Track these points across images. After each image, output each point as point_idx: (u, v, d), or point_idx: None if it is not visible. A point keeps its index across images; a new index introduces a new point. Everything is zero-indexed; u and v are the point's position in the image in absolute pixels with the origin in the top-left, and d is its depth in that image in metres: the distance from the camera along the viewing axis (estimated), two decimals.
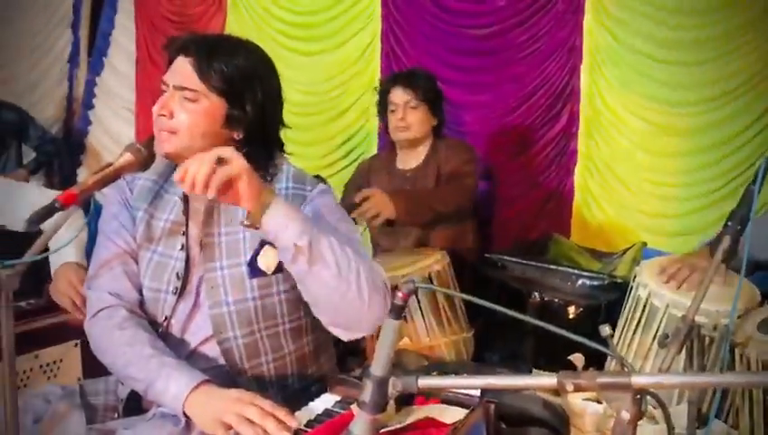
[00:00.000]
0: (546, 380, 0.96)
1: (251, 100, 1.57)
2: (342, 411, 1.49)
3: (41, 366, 2.04)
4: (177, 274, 1.60)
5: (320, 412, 1.50)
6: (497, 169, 3.52)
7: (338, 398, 1.56)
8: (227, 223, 1.61)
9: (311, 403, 1.54)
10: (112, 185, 1.61)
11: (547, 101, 3.46)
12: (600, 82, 3.33)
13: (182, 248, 1.61)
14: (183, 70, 1.55)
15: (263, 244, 1.58)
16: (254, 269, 1.58)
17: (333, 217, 1.59)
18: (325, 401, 1.55)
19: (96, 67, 4.82)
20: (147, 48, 4.56)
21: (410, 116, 2.87)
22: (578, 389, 0.93)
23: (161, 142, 1.55)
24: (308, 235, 1.39)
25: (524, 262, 2.60)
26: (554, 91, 3.44)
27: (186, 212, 1.63)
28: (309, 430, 1.42)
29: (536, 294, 2.54)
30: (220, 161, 1.36)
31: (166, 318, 1.61)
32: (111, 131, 4.77)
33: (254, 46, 1.64)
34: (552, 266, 2.58)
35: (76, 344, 2.12)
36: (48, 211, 1.41)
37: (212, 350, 1.61)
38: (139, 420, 1.55)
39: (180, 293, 1.61)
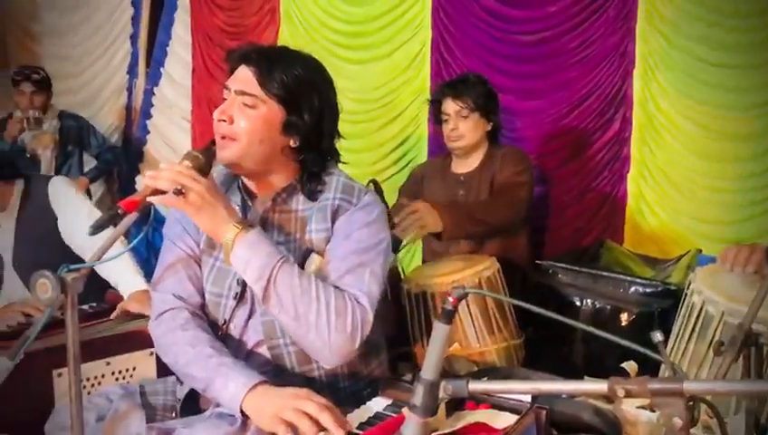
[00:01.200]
0: (597, 385, 0.96)
1: (308, 108, 1.62)
2: (394, 415, 1.51)
3: (113, 373, 2.09)
4: (238, 280, 1.65)
5: (371, 415, 1.52)
6: (549, 175, 3.50)
7: (389, 401, 1.59)
8: (280, 232, 1.66)
9: (362, 406, 1.57)
10: None
11: (599, 106, 3.42)
12: (652, 86, 3.28)
13: None
14: (244, 77, 1.61)
15: (308, 252, 1.64)
16: None
17: (359, 235, 1.63)
18: (377, 404, 1.57)
19: (154, 77, 4.95)
20: (202, 58, 4.66)
21: (462, 125, 2.86)
22: (629, 394, 0.93)
23: (221, 149, 1.61)
24: (264, 280, 1.49)
25: (576, 269, 2.57)
26: (606, 97, 3.40)
27: None
28: (361, 432, 1.44)
29: (588, 301, 2.51)
30: (178, 192, 1.46)
31: (225, 321, 1.67)
32: (169, 140, 4.89)
33: (312, 58, 1.70)
34: (604, 273, 2.54)
35: (151, 353, 2.15)
36: (110, 218, 1.47)
37: (266, 353, 1.66)
38: (196, 419, 1.60)
39: (240, 298, 1.66)
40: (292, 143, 1.63)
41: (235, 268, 1.53)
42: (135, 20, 4.99)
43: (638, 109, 3.34)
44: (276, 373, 1.61)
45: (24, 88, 4.25)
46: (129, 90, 5.08)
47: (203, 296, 1.70)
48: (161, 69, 4.90)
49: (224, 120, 1.60)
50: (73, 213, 2.49)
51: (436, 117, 2.98)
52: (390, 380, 1.66)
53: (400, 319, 2.43)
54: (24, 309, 2.28)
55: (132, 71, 5.06)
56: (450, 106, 2.87)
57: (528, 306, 1.15)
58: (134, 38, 5.03)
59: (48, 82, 4.33)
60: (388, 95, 4.01)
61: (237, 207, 1.67)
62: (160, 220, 1.89)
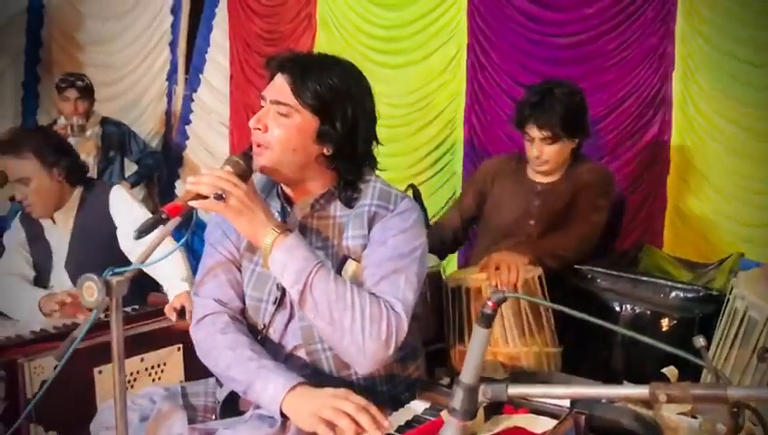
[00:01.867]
0: (638, 390, 0.95)
1: (341, 117, 1.63)
2: (432, 418, 1.51)
3: (146, 369, 2.16)
4: (278, 285, 1.67)
5: (410, 418, 1.53)
6: None
7: (427, 405, 1.59)
8: (318, 238, 1.68)
9: (401, 409, 1.58)
10: None
11: (638, 109, 3.39)
12: (692, 88, 3.24)
13: None
14: (280, 86, 1.63)
15: (345, 259, 1.65)
16: None
17: (395, 241, 1.63)
18: (415, 408, 1.58)
19: (193, 84, 5.02)
20: (240, 65, 4.72)
21: (547, 152, 2.65)
22: (671, 400, 0.92)
23: (257, 157, 1.63)
24: (301, 284, 1.51)
25: (615, 273, 2.53)
26: (645, 99, 3.37)
27: None
28: (399, 434, 1.45)
29: (627, 306, 2.48)
30: (219, 197, 1.49)
31: (265, 326, 1.69)
32: (207, 145, 4.96)
33: (349, 66, 1.71)
34: (643, 278, 2.50)
35: (179, 348, 2.24)
36: (155, 222, 1.51)
37: (305, 358, 1.68)
38: (237, 421, 1.63)
39: (279, 303, 1.68)
40: (326, 151, 1.65)
41: (273, 272, 1.55)
42: (174, 28, 5.07)
43: (678, 111, 3.30)
44: (314, 377, 1.62)
45: (68, 94, 4.34)
46: (169, 96, 5.16)
47: (243, 301, 1.72)
48: (200, 75, 4.97)
49: (259, 129, 1.62)
50: (134, 223, 2.53)
51: (518, 125, 2.73)
52: (428, 383, 1.67)
53: (440, 322, 2.42)
54: (64, 298, 2.37)
55: (172, 77, 5.14)
56: (534, 132, 2.64)
57: (563, 309, 1.15)
58: (173, 45, 5.10)
59: (91, 88, 4.43)
60: (423, 99, 4.02)
61: (276, 213, 1.69)
62: (200, 226, 1.93)
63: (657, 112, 3.35)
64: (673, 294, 2.43)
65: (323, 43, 4.30)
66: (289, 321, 1.69)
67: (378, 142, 1.74)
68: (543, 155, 2.66)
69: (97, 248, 2.55)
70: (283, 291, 1.66)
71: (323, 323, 1.52)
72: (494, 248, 2.58)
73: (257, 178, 1.75)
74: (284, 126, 1.61)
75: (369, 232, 1.65)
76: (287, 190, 1.73)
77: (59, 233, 2.64)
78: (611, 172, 2.88)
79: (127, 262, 2.53)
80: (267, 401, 1.50)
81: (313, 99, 1.61)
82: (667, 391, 0.92)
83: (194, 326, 1.72)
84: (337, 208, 1.69)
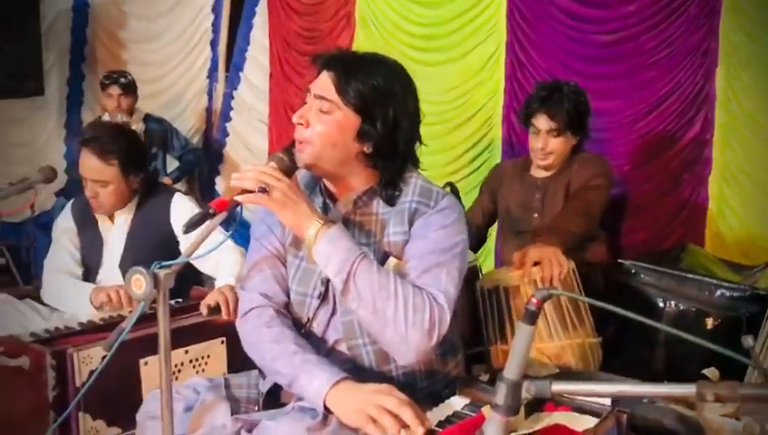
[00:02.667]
0: (684, 388, 0.95)
1: (382, 117, 1.64)
2: (472, 414, 1.52)
3: (190, 361, 2.20)
4: (322, 280, 1.69)
5: (450, 413, 1.54)
6: (627, 178, 3.44)
7: (467, 401, 1.60)
8: (361, 234, 1.70)
9: (441, 405, 1.59)
10: None
11: (679, 107, 3.35)
12: (736, 85, 3.19)
13: None
14: (324, 82, 1.65)
15: (386, 256, 1.67)
16: None
17: (436, 236, 1.64)
18: (455, 404, 1.59)
19: (233, 82, 5.08)
20: (280, 63, 4.77)
21: (552, 143, 2.76)
22: (718, 399, 0.92)
23: (299, 152, 1.65)
24: (344, 274, 1.52)
25: (660, 269, 2.50)
26: (687, 97, 3.33)
27: None
28: (440, 430, 1.47)
29: (671, 303, 2.45)
30: (263, 190, 1.51)
31: (308, 320, 1.72)
32: (247, 142, 5.02)
33: (395, 66, 1.72)
34: (689, 275, 2.47)
35: (222, 341, 2.27)
36: (202, 217, 1.54)
37: (346, 352, 1.70)
38: (279, 412, 1.65)
39: (323, 298, 1.70)
40: (366, 149, 1.66)
41: (317, 262, 1.57)
42: (215, 26, 5.14)
43: (721, 109, 3.25)
44: (355, 372, 1.64)
45: (111, 91, 4.43)
46: (210, 94, 5.23)
47: (288, 295, 1.75)
48: (240, 73, 5.03)
49: (301, 124, 1.65)
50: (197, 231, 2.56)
51: (524, 120, 2.87)
52: (468, 379, 1.67)
53: (475, 318, 2.42)
54: (110, 292, 2.41)
55: (212, 75, 5.21)
56: (542, 122, 2.76)
57: (606, 306, 1.15)
58: (214, 44, 5.17)
59: (134, 85, 4.51)
60: (461, 97, 4.02)
61: (319, 209, 1.70)
62: (243, 224, 1.96)
63: (699, 111, 3.30)
64: (719, 292, 2.39)
65: (362, 41, 4.32)
66: (332, 315, 1.71)
67: (421, 142, 1.75)
68: (548, 147, 2.77)
69: (152, 251, 2.51)
70: (327, 286, 1.69)
71: (366, 312, 1.54)
72: (510, 245, 2.69)
73: (301, 174, 1.77)
74: (325, 122, 1.63)
75: (409, 228, 1.67)
76: (330, 187, 1.75)
77: (114, 230, 2.67)
78: (605, 159, 2.95)
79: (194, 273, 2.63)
80: (311, 395, 1.52)
81: (356, 98, 1.62)
82: (714, 390, 0.91)
83: (240, 319, 1.75)
84: (379, 205, 1.71)
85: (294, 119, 1.67)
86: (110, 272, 2.62)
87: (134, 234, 2.64)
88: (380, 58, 1.73)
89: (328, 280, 1.68)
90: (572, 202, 2.71)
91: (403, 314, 1.52)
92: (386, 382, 1.58)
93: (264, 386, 1.76)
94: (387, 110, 1.64)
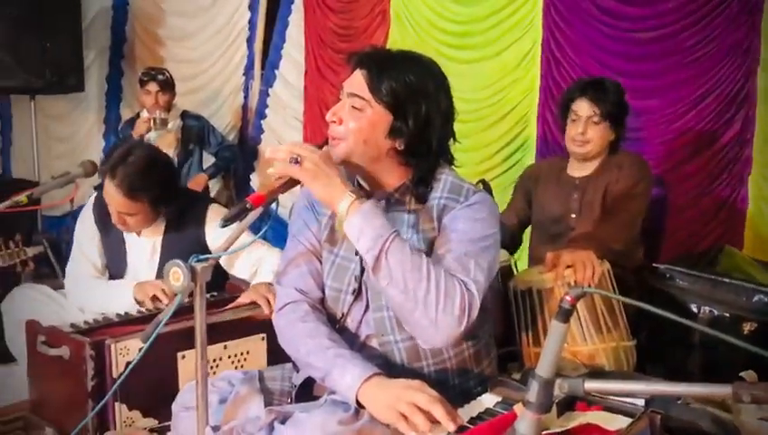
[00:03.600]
0: (720, 389, 0.94)
1: (414, 115, 1.64)
2: (503, 412, 1.52)
3: (229, 356, 2.21)
4: (356, 276, 1.71)
5: (482, 410, 1.54)
6: (664, 177, 3.39)
7: (499, 398, 1.60)
8: None
9: (472, 402, 1.59)
10: (302, 191, 1.79)
11: (719, 105, 3.29)
12: None
13: (357, 253, 1.70)
14: (357, 80, 1.67)
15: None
16: None
17: (465, 226, 1.64)
18: (486, 401, 1.59)
19: (269, 79, 5.11)
20: (315, 60, 4.79)
21: (591, 131, 2.71)
22: (755, 400, 0.91)
23: (332, 148, 1.67)
24: (376, 250, 1.52)
25: (695, 273, 2.46)
26: (727, 96, 3.27)
27: None
28: (471, 427, 1.47)
29: (706, 308, 2.42)
30: (296, 160, 1.53)
31: (343, 315, 1.74)
32: (282, 139, 5.03)
33: (428, 64, 1.73)
34: (725, 279, 2.43)
35: (263, 338, 2.28)
36: (239, 212, 1.56)
37: (378, 348, 1.71)
38: (312, 405, 1.67)
39: (357, 294, 1.72)
40: (398, 146, 1.67)
41: (348, 236, 1.56)
42: (252, 24, 5.17)
43: (762, 108, 3.19)
44: (387, 368, 1.65)
45: (150, 88, 4.50)
46: (246, 91, 5.26)
47: (322, 290, 1.77)
48: (275, 71, 5.06)
49: (334, 121, 1.67)
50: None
51: (563, 112, 2.84)
52: (500, 379, 1.67)
53: (508, 317, 2.42)
54: (155, 290, 2.43)
55: (248, 73, 5.24)
56: (584, 108, 2.72)
57: (641, 304, 1.15)
58: (250, 41, 5.20)
59: (172, 82, 4.57)
60: (496, 94, 4.00)
61: None
62: (278, 220, 1.98)
63: (739, 109, 3.25)
64: (756, 297, 2.34)
65: (397, 39, 4.32)
66: (365, 312, 1.72)
67: (455, 140, 1.75)
68: (587, 133, 2.72)
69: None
70: (361, 282, 1.71)
71: (396, 291, 1.53)
72: (543, 248, 2.62)
73: (339, 169, 1.79)
74: (358, 119, 1.64)
75: (438, 225, 1.67)
76: (363, 183, 1.76)
77: (139, 244, 2.62)
78: (645, 160, 2.88)
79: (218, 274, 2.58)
80: (344, 389, 1.54)
81: (387, 95, 1.63)
82: (751, 391, 0.90)
83: (276, 314, 1.78)
84: (413, 202, 1.72)
85: (328, 116, 1.69)
86: (135, 280, 2.58)
87: (167, 247, 2.58)
88: (414, 56, 1.74)
89: (362, 276, 1.70)
90: (615, 213, 2.65)
91: (434, 297, 1.52)
92: (418, 379, 1.58)
93: (298, 379, 1.78)
94: (419, 107, 1.65)
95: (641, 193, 2.69)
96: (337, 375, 1.55)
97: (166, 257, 2.54)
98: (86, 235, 2.67)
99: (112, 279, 2.66)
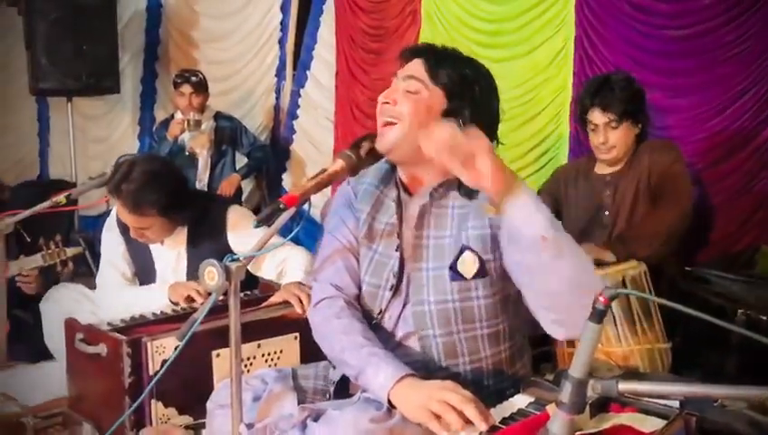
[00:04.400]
0: (757, 391, 0.93)
1: (471, 99, 1.67)
2: (536, 412, 1.52)
3: (262, 355, 2.22)
4: (394, 272, 1.72)
5: (514, 411, 1.54)
6: (700, 176, 3.34)
7: (531, 399, 1.60)
8: (437, 227, 1.71)
9: (505, 402, 1.59)
10: (339, 188, 1.82)
11: (756, 104, 3.23)
12: None
13: (397, 249, 1.72)
14: (414, 65, 1.70)
15: (462, 250, 1.66)
16: (454, 273, 1.66)
17: None
18: (519, 402, 1.59)
19: (300, 80, 5.14)
20: (346, 61, 4.80)
21: (612, 136, 2.70)
22: None
23: (382, 136, 1.69)
24: (554, 228, 1.45)
25: (730, 276, 2.43)
26: (764, 94, 3.20)
27: (399, 215, 1.74)
28: (503, 427, 1.46)
29: (741, 311, 2.38)
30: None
31: (381, 311, 1.74)
32: (313, 139, 5.08)
33: (481, 65, 1.76)
34: (762, 281, 2.39)
35: (296, 337, 2.28)
36: (272, 212, 1.58)
37: (416, 345, 1.71)
38: (345, 402, 1.68)
39: (395, 290, 1.72)
40: None
41: (515, 216, 1.45)
42: (283, 25, 5.21)
43: None
44: (424, 364, 1.66)
45: (183, 90, 4.56)
46: (278, 91, 5.31)
47: (359, 287, 1.78)
48: (307, 72, 5.09)
49: (388, 103, 1.68)
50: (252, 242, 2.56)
51: (581, 119, 2.84)
52: (533, 380, 1.67)
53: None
54: (189, 291, 2.44)
55: (280, 73, 5.29)
56: (597, 117, 2.72)
57: (677, 306, 1.14)
58: (282, 42, 5.24)
59: (205, 84, 4.63)
60: (528, 93, 3.97)
61: (393, 204, 1.75)
62: (309, 220, 2.00)
63: None
64: None
65: (428, 38, 4.31)
66: (403, 308, 1.72)
67: (498, 142, 1.77)
68: (609, 140, 2.71)
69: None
70: (399, 278, 1.71)
71: (569, 270, 1.44)
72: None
73: (376, 167, 1.82)
74: (414, 100, 1.66)
75: (489, 221, 1.65)
76: (405, 179, 1.77)
77: (164, 253, 2.64)
78: (674, 143, 2.86)
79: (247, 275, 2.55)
80: (376, 388, 1.55)
81: (445, 79, 1.66)
82: None
83: (311, 310, 1.80)
84: (455, 199, 1.71)
85: (381, 98, 1.70)
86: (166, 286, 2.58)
87: (192, 252, 2.58)
88: (469, 57, 1.77)
89: (400, 272, 1.71)
90: (663, 196, 2.62)
91: (589, 278, 1.48)
92: (453, 378, 1.59)
93: (335, 374, 1.79)
94: (474, 93, 1.68)
95: (682, 172, 2.67)
96: (370, 374, 1.56)
97: (192, 265, 2.58)
98: (112, 245, 2.68)
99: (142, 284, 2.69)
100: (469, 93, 1.67)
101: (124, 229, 2.60)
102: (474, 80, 1.69)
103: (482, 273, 1.65)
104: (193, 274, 2.55)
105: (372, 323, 1.74)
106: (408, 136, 1.64)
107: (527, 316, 1.65)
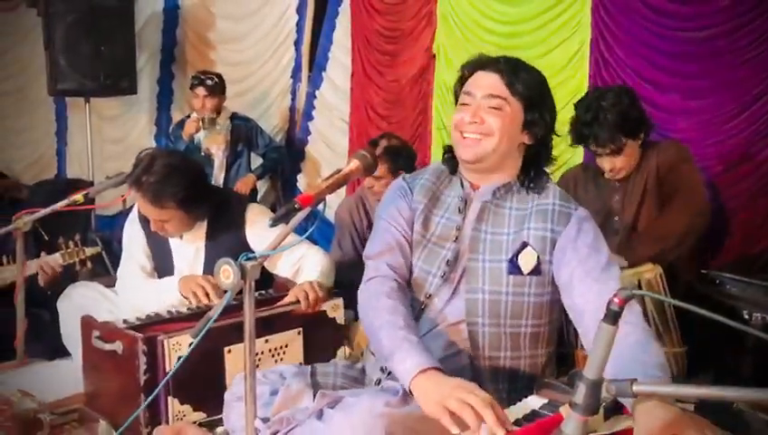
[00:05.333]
0: None
1: (545, 106, 1.78)
2: (550, 414, 1.52)
3: (270, 350, 2.26)
4: (448, 261, 1.80)
5: (527, 413, 1.54)
6: (716, 180, 3.32)
7: (545, 401, 1.60)
8: (494, 224, 1.80)
9: (518, 403, 1.59)
10: (394, 182, 1.94)
11: None
12: None
13: (455, 241, 1.81)
14: (490, 81, 1.79)
15: (524, 245, 1.75)
16: (513, 266, 1.75)
17: (595, 239, 1.76)
18: (533, 403, 1.59)
19: (316, 81, 5.15)
20: (361, 62, 4.81)
21: (618, 162, 2.71)
22: None
23: (468, 147, 1.79)
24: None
25: (746, 280, 2.42)
26: None
27: (463, 211, 1.83)
28: (517, 428, 1.47)
29: (758, 315, 2.37)
30: None
31: (428, 296, 1.81)
32: (328, 141, 5.08)
33: (540, 71, 1.85)
34: None
35: (299, 332, 2.32)
36: (288, 212, 1.60)
37: (460, 334, 1.77)
38: (362, 390, 1.74)
39: (446, 278, 1.79)
40: (526, 140, 1.80)
41: None
42: (299, 27, 5.22)
43: None
44: (467, 353, 1.74)
45: (198, 92, 4.59)
46: (293, 93, 5.31)
47: (410, 272, 1.85)
48: (323, 73, 5.10)
49: (476, 122, 1.76)
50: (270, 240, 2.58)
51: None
52: (546, 381, 1.68)
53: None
54: (197, 288, 2.46)
55: (296, 75, 5.29)
56: (598, 150, 2.71)
57: (694, 308, 1.13)
58: (298, 44, 5.25)
59: (221, 86, 4.65)
60: None
61: (459, 200, 1.85)
62: (324, 222, 2.02)
63: None
64: None
65: (443, 40, 4.32)
66: (452, 295, 1.79)
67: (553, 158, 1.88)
68: (617, 165, 2.72)
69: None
70: (452, 267, 1.79)
71: None
72: None
73: (434, 167, 1.93)
74: (500, 116, 1.76)
75: (551, 226, 1.76)
76: (471, 178, 1.86)
77: (183, 248, 2.67)
78: (683, 144, 2.87)
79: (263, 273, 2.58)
80: (401, 373, 1.58)
81: (525, 89, 1.76)
82: None
83: (363, 285, 1.85)
84: (513, 201, 1.82)
85: (466, 119, 1.78)
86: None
87: (210, 249, 2.61)
88: (531, 65, 1.86)
89: (454, 263, 1.80)
90: (676, 195, 2.64)
91: None
92: (492, 368, 1.71)
93: (374, 368, 1.83)
94: (549, 101, 1.80)
95: (690, 172, 2.69)
96: (398, 358, 1.59)
97: (209, 261, 2.59)
98: (134, 238, 2.73)
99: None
100: (546, 97, 1.79)
101: (146, 223, 2.62)
102: (544, 81, 1.81)
103: (537, 271, 1.75)
104: (210, 269, 2.54)
105: (421, 305, 1.81)
106: (498, 148, 1.76)
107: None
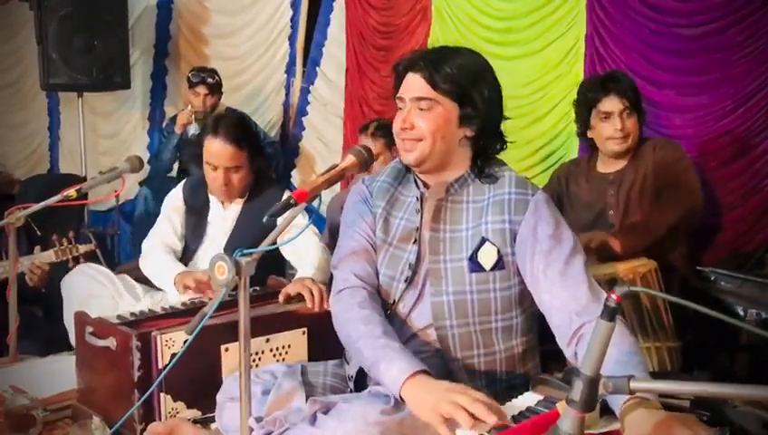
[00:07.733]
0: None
1: (479, 96, 1.72)
2: (545, 410, 1.52)
3: (271, 349, 2.23)
4: (410, 265, 1.77)
5: (523, 409, 1.54)
6: (710, 176, 3.32)
7: (540, 397, 1.60)
8: (452, 222, 1.76)
9: (513, 400, 1.59)
10: (354, 186, 1.88)
11: None
12: None
13: (414, 242, 1.78)
14: (415, 83, 1.73)
15: (483, 241, 1.72)
16: (474, 264, 1.72)
17: (556, 228, 1.71)
18: (528, 400, 1.59)
19: (310, 76, 5.13)
20: (356, 58, 4.79)
21: (629, 124, 2.73)
22: None
23: (407, 152, 1.75)
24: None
25: (741, 276, 2.42)
26: None
27: (420, 211, 1.79)
28: (513, 425, 1.46)
29: (753, 311, 2.37)
30: None
31: (394, 302, 1.79)
32: (322, 136, 5.07)
33: (471, 51, 1.81)
34: None
35: (304, 332, 2.28)
36: (283, 207, 1.59)
37: (430, 336, 1.75)
38: (354, 396, 1.71)
39: (410, 282, 1.77)
40: (468, 133, 1.75)
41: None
42: (293, 22, 5.20)
43: None
44: (439, 356, 1.70)
45: (198, 90, 4.58)
46: (287, 88, 5.29)
47: (378, 279, 1.82)
48: (317, 68, 5.07)
49: (406, 128, 1.73)
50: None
51: (585, 115, 2.84)
52: (542, 378, 1.67)
53: None
54: (202, 277, 2.49)
55: (290, 70, 5.27)
56: (614, 104, 2.73)
57: (688, 303, 1.13)
58: (292, 39, 5.22)
59: (220, 85, 4.66)
60: (538, 91, 3.96)
61: (415, 200, 1.81)
62: (321, 218, 2.01)
63: None
64: None
65: (438, 36, 4.31)
66: (417, 299, 1.77)
67: (505, 117, 1.81)
68: (626, 127, 2.72)
69: (254, 243, 2.55)
70: (414, 271, 1.76)
71: None
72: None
73: (391, 166, 1.88)
74: (430, 119, 1.72)
75: (508, 217, 1.72)
76: (423, 177, 1.82)
77: (221, 216, 2.80)
78: (678, 142, 2.89)
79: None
80: (388, 382, 1.56)
81: (450, 86, 1.71)
82: None
83: (333, 297, 1.83)
84: (470, 193, 1.78)
85: (397, 126, 1.76)
86: (209, 256, 2.62)
87: (241, 224, 2.73)
88: (456, 47, 1.83)
89: (416, 265, 1.76)
90: (670, 188, 2.65)
91: None
92: (467, 369, 1.68)
93: (351, 369, 1.81)
94: (481, 88, 1.73)
95: (687, 168, 2.70)
96: (383, 366, 1.58)
97: (236, 238, 2.71)
98: (173, 205, 2.87)
99: (187, 250, 2.83)
100: (475, 86, 1.72)
101: (189, 196, 2.85)
102: (473, 69, 1.74)
103: (500, 265, 1.72)
104: (232, 246, 2.64)
105: (387, 313, 1.78)
106: (433, 151, 1.73)
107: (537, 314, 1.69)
